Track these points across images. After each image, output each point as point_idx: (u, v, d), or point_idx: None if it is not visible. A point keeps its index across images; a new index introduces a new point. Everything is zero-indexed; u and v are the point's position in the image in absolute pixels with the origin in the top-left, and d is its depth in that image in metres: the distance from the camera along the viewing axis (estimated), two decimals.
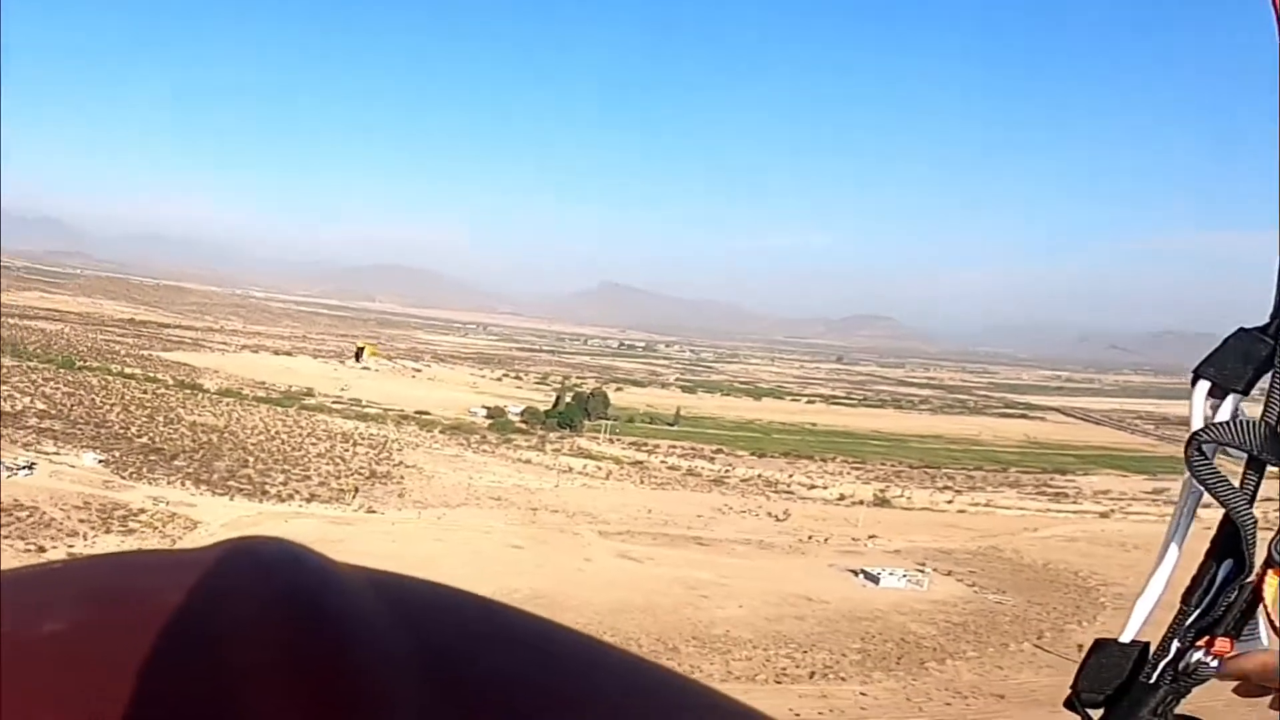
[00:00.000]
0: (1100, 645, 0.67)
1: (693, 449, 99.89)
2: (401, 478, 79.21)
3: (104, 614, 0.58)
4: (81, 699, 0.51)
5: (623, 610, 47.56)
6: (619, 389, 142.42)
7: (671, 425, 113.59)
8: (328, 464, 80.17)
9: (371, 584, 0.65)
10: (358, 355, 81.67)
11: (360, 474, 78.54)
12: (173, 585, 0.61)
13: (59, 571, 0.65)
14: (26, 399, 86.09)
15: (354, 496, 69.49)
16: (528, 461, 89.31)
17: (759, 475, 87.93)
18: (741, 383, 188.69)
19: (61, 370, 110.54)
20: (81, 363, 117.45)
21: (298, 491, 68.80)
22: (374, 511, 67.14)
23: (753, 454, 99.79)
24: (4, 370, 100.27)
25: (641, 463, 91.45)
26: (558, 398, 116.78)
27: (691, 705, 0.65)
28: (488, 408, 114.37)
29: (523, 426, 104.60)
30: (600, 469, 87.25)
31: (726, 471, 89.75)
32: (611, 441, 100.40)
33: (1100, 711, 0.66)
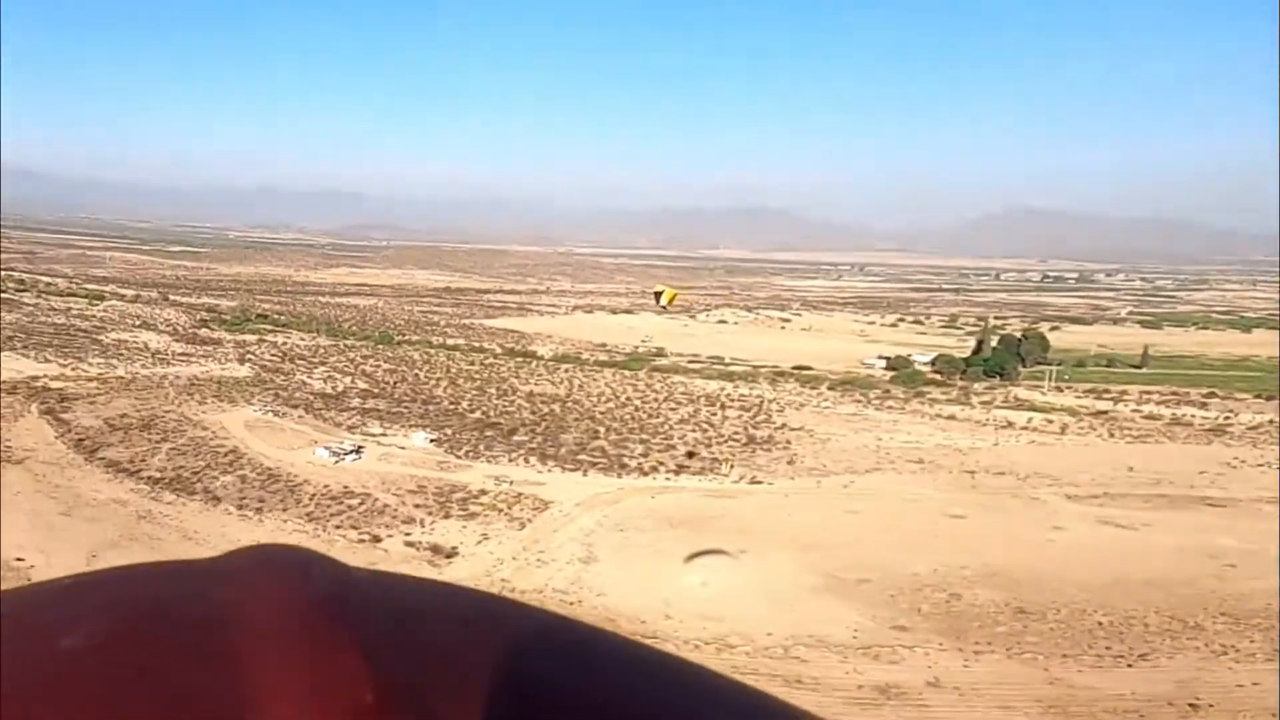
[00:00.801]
0: None
1: (1174, 394, 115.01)
2: (788, 442, 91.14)
3: (121, 628, 0.95)
4: (99, 714, 0.83)
5: (1118, 584, 54.91)
6: (1054, 328, 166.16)
7: (1138, 368, 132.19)
8: (693, 430, 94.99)
9: (389, 590, 1.07)
10: (656, 298, 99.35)
11: (735, 440, 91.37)
12: (190, 596, 1.01)
13: (74, 586, 1.05)
14: (346, 379, 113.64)
15: (731, 466, 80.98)
16: (950, 417, 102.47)
17: (1271, 421, 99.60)
18: (1219, 312, 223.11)
19: (380, 346, 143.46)
20: (400, 337, 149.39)
21: (662, 463, 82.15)
22: (759, 481, 77.69)
23: (1257, 396, 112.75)
24: (321, 350, 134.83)
25: (1106, 412, 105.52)
26: (979, 342, 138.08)
27: (694, 685, 1.07)
28: (886, 357, 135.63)
29: (936, 377, 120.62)
30: (1051, 422, 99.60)
31: (1227, 419, 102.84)
32: (1060, 390, 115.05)
33: None
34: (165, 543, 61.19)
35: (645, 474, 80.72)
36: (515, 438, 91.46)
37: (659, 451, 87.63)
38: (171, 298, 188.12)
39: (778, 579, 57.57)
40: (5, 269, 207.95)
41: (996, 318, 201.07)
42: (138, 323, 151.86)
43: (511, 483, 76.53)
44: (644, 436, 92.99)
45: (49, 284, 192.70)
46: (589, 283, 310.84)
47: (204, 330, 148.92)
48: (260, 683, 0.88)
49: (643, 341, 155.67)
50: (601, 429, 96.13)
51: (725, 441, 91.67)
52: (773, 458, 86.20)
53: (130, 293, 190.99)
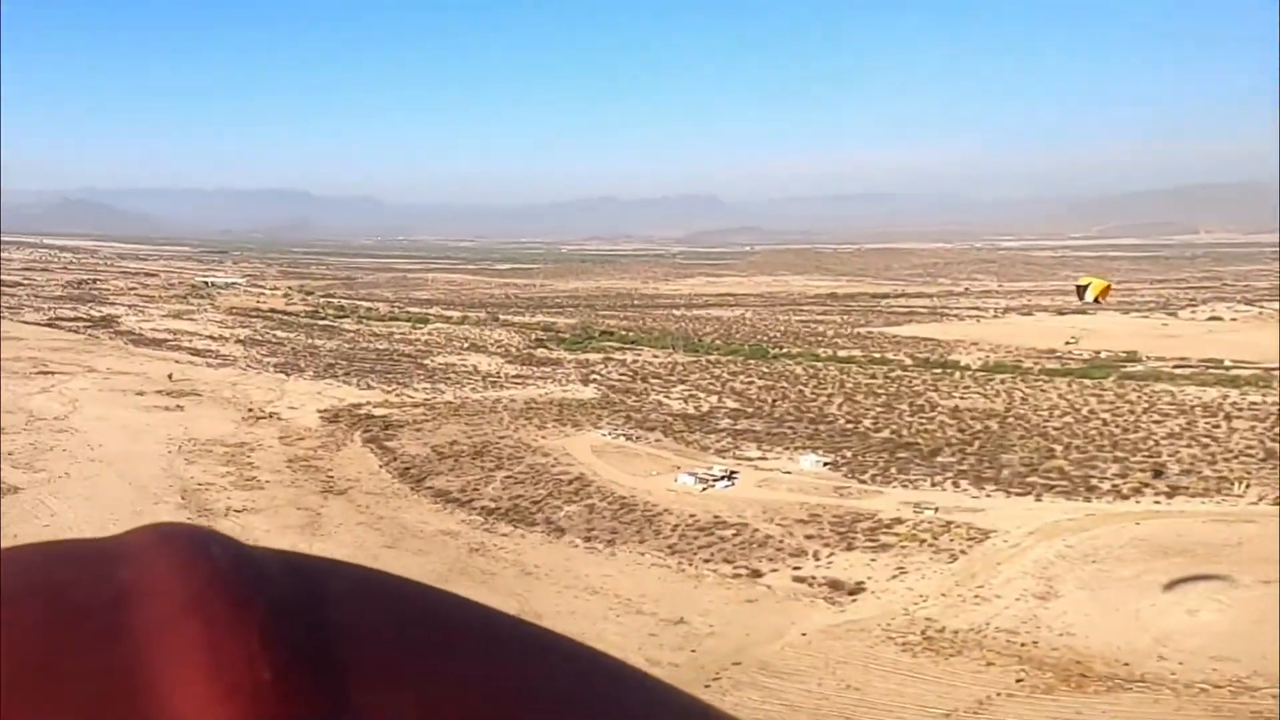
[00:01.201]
0: None
1: None
2: None
3: (16, 606, 1.12)
4: None
5: None
6: None
7: None
8: (1187, 446, 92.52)
9: (288, 567, 1.27)
10: (1080, 293, 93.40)
11: (1248, 456, 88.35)
12: (86, 577, 1.19)
13: None
14: (712, 398, 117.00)
15: (1244, 486, 77.78)
16: None
17: None
18: None
19: (751, 361, 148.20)
20: (776, 350, 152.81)
21: (1147, 485, 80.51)
22: None
23: None
24: (678, 368, 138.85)
25: None
26: None
27: (593, 673, 1.34)
28: None
29: None
30: None
31: None
32: None
33: None
34: (500, 577, 63.46)
35: (1124, 497, 78.56)
36: (938, 459, 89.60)
37: (1140, 471, 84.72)
38: (501, 317, 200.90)
39: None
40: (324, 295, 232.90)
41: None
42: (465, 345, 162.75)
43: (936, 510, 75.04)
44: (1118, 454, 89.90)
45: (369, 309, 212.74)
46: (1021, 280, 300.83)
47: (540, 350, 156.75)
48: (156, 661, 1.04)
49: (1070, 341, 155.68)
50: (1058, 447, 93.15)
51: (1234, 457, 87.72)
52: None
53: (456, 314, 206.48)
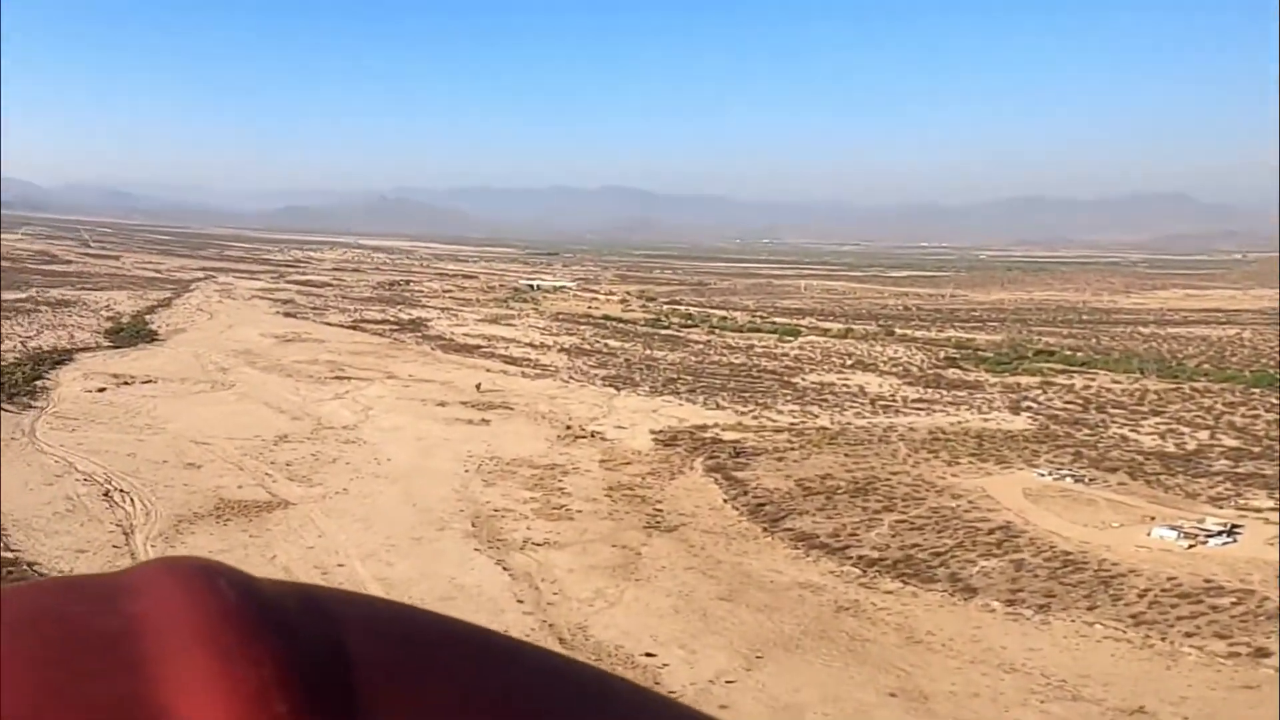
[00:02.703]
0: None
1: None
2: None
3: (28, 641, 1.35)
4: None
5: None
6: None
7: None
8: None
9: (299, 599, 1.51)
10: None
11: None
12: (95, 610, 1.44)
13: None
14: (1202, 434, 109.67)
15: None
16: None
17: None
18: None
19: (1255, 390, 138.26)
20: None
21: None
22: None
23: None
24: (1150, 396, 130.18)
25: None
26: None
27: (639, 710, 1.69)
28: None
29: None
30: None
31: None
32: None
33: None
34: (877, 645, 59.10)
35: None
36: None
37: None
38: (898, 331, 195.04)
39: None
40: (667, 302, 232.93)
41: None
42: (849, 362, 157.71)
43: None
44: None
45: (724, 318, 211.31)
46: None
47: (952, 371, 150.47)
48: (172, 693, 1.25)
49: None
50: None
51: None
52: None
53: (836, 326, 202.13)
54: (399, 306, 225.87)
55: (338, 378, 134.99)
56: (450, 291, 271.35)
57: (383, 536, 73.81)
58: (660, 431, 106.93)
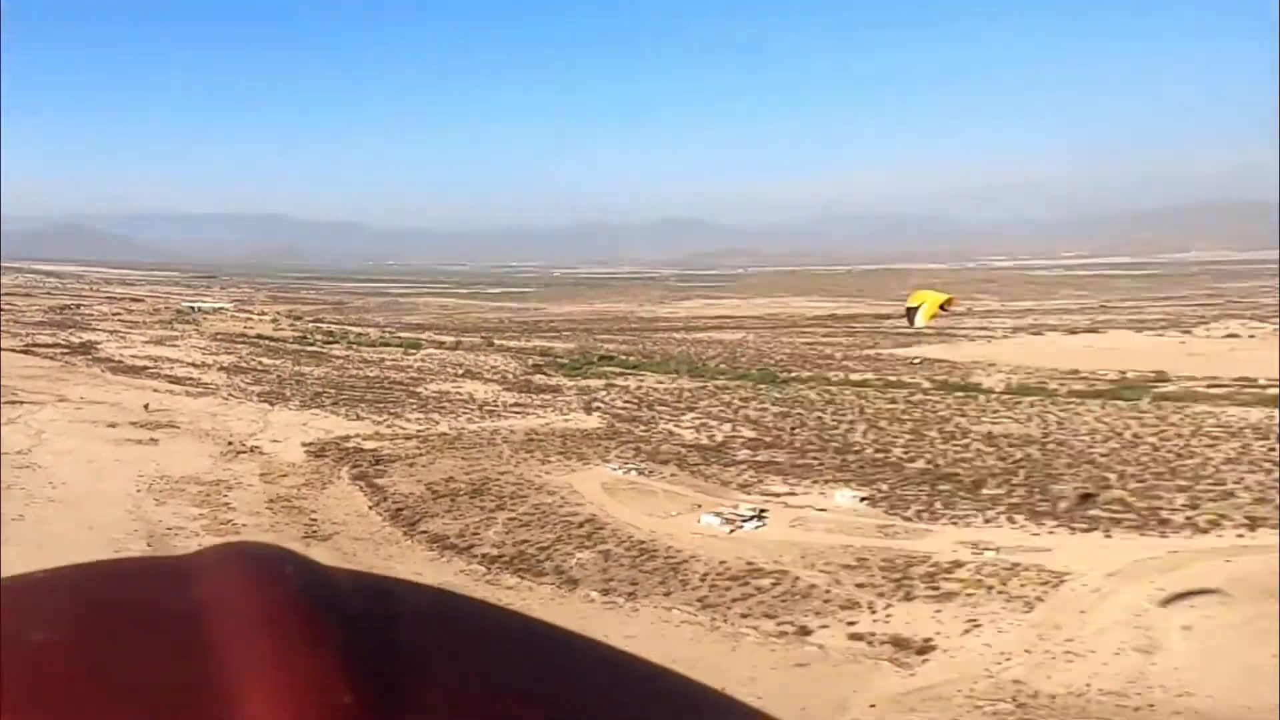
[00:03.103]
0: None
1: None
2: None
3: (95, 622, 1.16)
4: (71, 708, 1.02)
5: None
6: None
7: None
8: (1250, 471, 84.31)
9: (362, 586, 1.32)
10: (909, 317, 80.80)
11: None
12: (165, 591, 1.25)
13: (47, 580, 1.30)
14: (726, 426, 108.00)
15: None
16: None
17: None
18: None
19: (761, 386, 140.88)
20: (786, 374, 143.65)
21: (1225, 516, 72.13)
22: None
23: None
24: (686, 394, 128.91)
25: None
26: None
27: (697, 705, 1.47)
28: None
29: None
30: None
31: None
32: None
33: None
34: None
35: (1201, 530, 70.55)
36: (984, 491, 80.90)
37: (1211, 499, 76.83)
38: (496, 342, 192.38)
39: None
40: (313, 320, 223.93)
41: None
42: (460, 371, 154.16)
43: (998, 550, 66.74)
44: (1180, 483, 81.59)
45: (359, 334, 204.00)
46: (1023, 300, 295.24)
47: (539, 376, 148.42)
48: (236, 679, 1.07)
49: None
50: (1112, 475, 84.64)
51: None
52: None
53: (449, 339, 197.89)
54: (70, 330, 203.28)
55: (11, 402, 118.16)
56: (119, 314, 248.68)
57: (61, 562, 64.22)
58: (311, 443, 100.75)
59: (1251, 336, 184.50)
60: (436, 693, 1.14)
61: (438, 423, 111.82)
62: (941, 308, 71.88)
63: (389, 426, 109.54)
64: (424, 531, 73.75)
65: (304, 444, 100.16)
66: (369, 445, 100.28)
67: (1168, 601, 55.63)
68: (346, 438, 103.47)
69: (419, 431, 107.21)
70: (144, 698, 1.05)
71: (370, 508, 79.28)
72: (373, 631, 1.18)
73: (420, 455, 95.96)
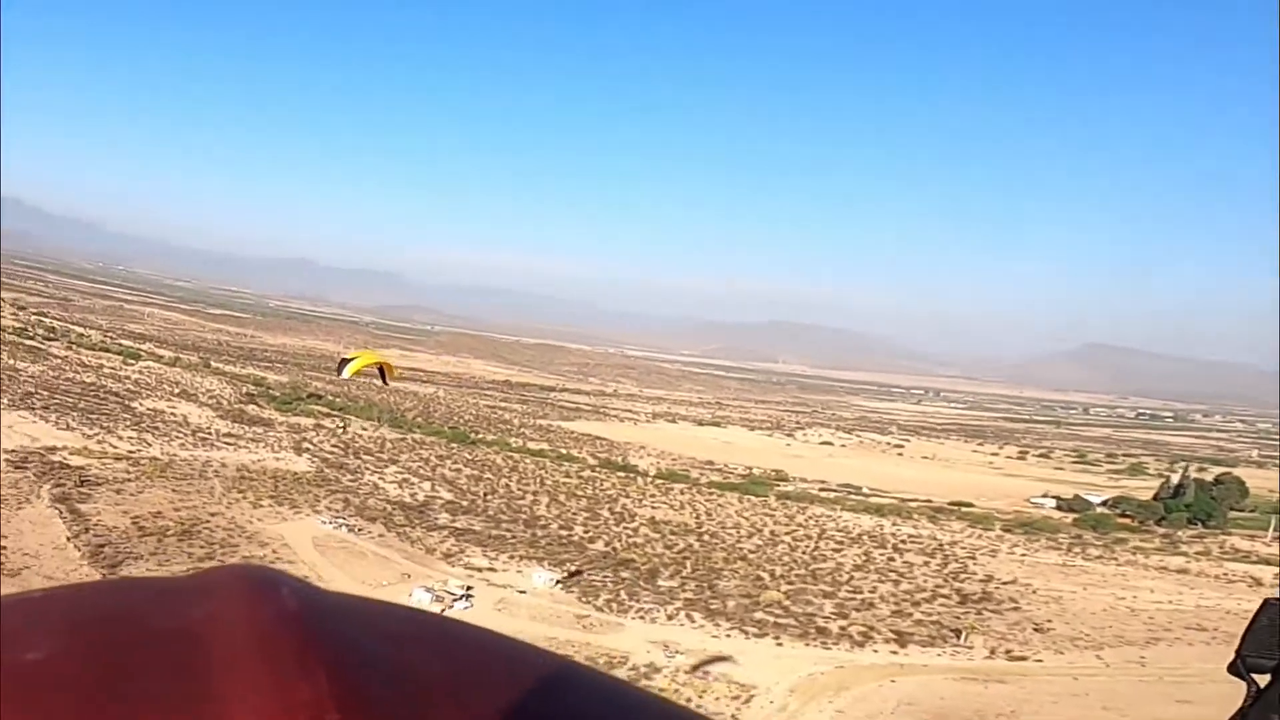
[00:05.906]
0: (1268, 605, 1.04)
1: None
2: (1013, 601, 75.55)
3: (89, 640, 0.98)
4: None
5: None
6: (1201, 469, 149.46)
7: None
8: (880, 580, 79.03)
9: (359, 613, 1.12)
10: (340, 367, 74.17)
11: (943, 597, 75.29)
12: (158, 610, 1.04)
13: (44, 599, 1.08)
14: (425, 484, 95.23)
15: (967, 635, 65.11)
16: (1182, 571, 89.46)
17: None
18: None
19: (454, 445, 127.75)
20: (474, 435, 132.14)
21: (873, 629, 64.99)
22: (1021, 658, 61.62)
23: None
24: (388, 444, 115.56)
25: None
26: (1178, 486, 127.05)
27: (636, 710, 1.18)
28: (1056, 497, 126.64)
29: (1126, 522, 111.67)
30: None
31: None
32: None
33: (1268, 677, 1.07)
34: None
35: (857, 643, 62.89)
36: (660, 582, 72.74)
37: (856, 608, 70.44)
38: (214, 364, 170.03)
39: None
40: (36, 313, 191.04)
41: (1122, 455, 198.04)
42: (176, 390, 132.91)
43: (682, 654, 57.83)
44: (825, 588, 75.43)
45: (81, 335, 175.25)
46: (656, 388, 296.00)
47: (252, 406, 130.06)
48: (227, 699, 0.94)
49: (750, 468, 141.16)
50: (765, 575, 77.84)
51: (932, 599, 74.80)
52: (1009, 623, 69.91)
53: (169, 354, 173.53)
54: None
55: None
56: None
57: None
58: (13, 451, 79.89)
59: (843, 446, 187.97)
60: (427, 715, 0.99)
61: (150, 445, 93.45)
62: (382, 377, 58.61)
63: (100, 442, 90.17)
64: (126, 576, 56.85)
65: (6, 450, 79.03)
66: (76, 460, 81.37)
67: None
68: (53, 449, 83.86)
69: (130, 452, 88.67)
70: (135, 713, 0.94)
71: (69, 539, 61.85)
72: (364, 653, 1.03)
73: (130, 480, 78.39)
